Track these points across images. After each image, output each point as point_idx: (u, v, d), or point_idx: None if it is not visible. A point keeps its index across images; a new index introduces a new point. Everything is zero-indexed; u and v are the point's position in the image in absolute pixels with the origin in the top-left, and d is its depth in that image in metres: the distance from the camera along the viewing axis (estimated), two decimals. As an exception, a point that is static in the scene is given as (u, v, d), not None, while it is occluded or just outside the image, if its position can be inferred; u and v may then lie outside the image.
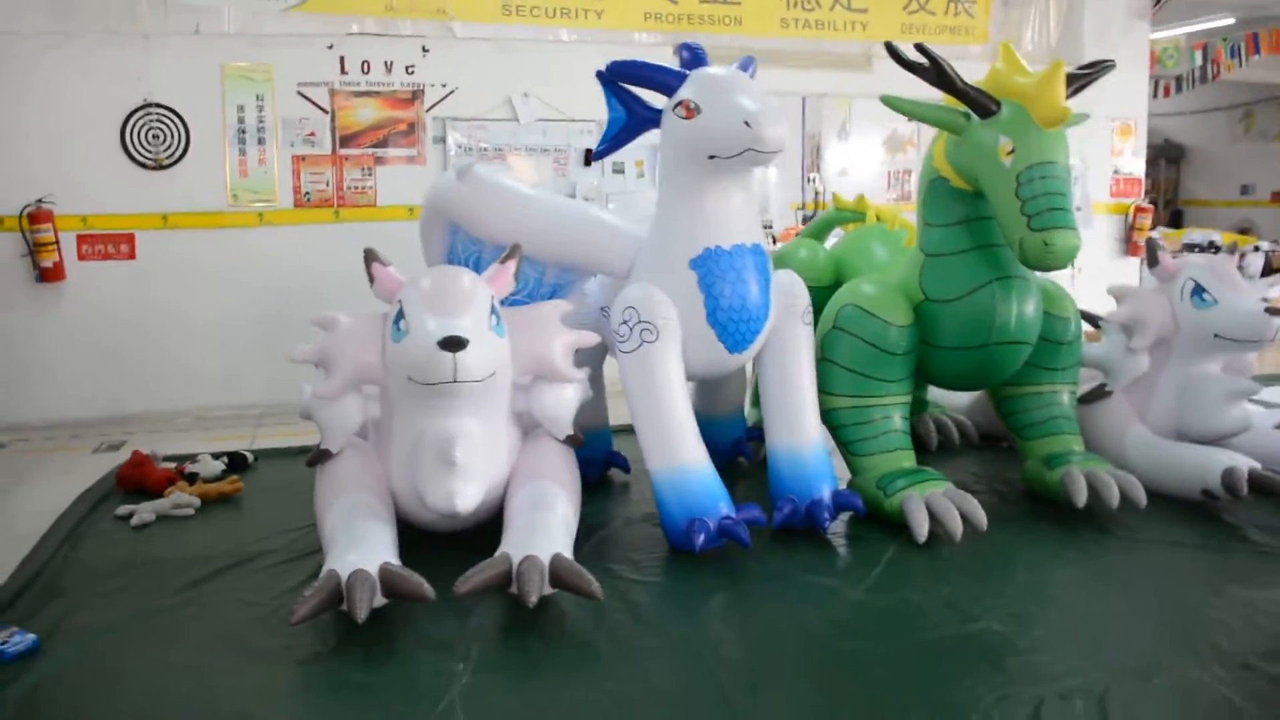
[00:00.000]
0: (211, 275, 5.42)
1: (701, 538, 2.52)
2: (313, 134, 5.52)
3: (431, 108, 5.71)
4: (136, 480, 3.45)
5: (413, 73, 5.66)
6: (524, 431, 2.71)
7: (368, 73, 5.59)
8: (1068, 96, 2.71)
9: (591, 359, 3.00)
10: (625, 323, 2.66)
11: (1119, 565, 2.59)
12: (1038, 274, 2.94)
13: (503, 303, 2.61)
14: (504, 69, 5.81)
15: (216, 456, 3.68)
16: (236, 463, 3.73)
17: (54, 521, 3.10)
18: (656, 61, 2.81)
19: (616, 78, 2.78)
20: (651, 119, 2.77)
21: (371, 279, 2.53)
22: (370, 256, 2.56)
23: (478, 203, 2.93)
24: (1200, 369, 3.16)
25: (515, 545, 2.27)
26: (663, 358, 2.64)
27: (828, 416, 2.92)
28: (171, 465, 3.60)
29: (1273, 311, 3.00)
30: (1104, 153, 7.23)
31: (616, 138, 2.82)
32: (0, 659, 2.09)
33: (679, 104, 2.62)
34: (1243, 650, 2.05)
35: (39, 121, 5.13)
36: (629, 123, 2.80)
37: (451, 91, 5.72)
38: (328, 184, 5.57)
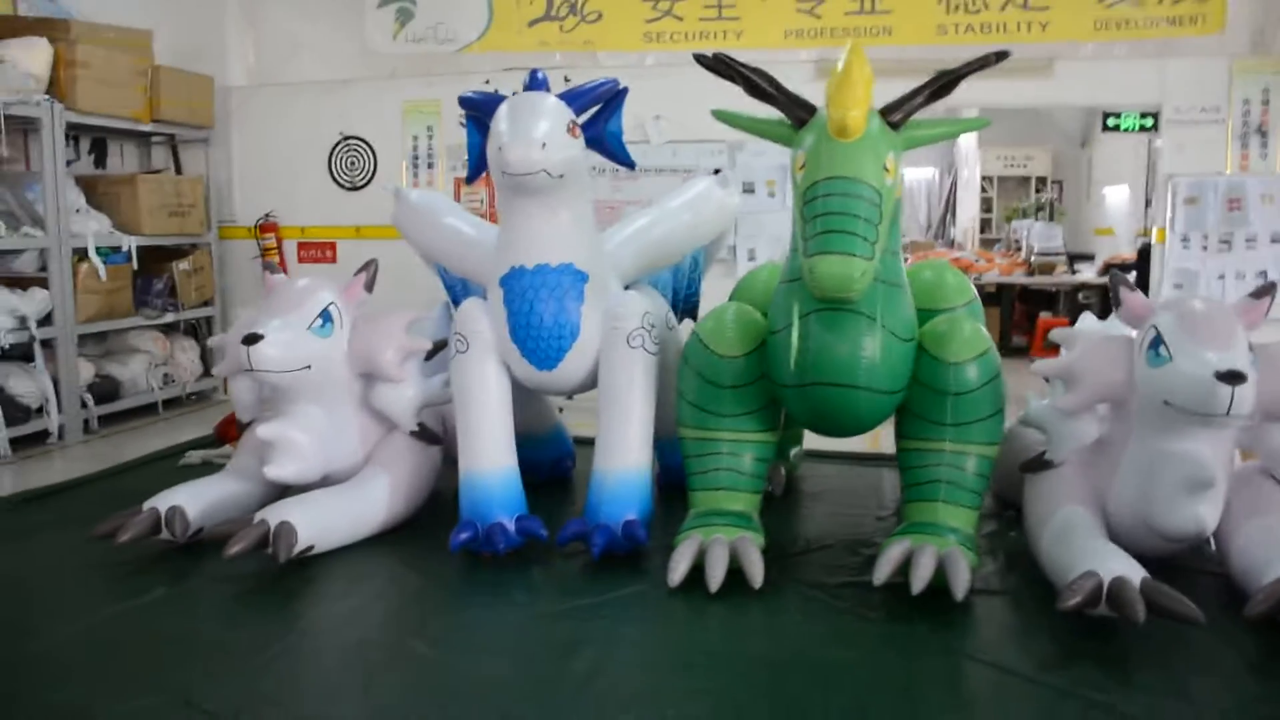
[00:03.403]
0: (392, 277, 6.43)
1: (465, 535, 2.69)
2: (470, 159, 6.33)
3: (571, 132, 6.22)
4: (223, 433, 4.46)
5: (556, 101, 6.21)
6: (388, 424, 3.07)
7: (517, 103, 6.26)
8: (929, 99, 2.36)
9: None
10: (451, 334, 2.90)
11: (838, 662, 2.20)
12: (928, 306, 2.64)
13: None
14: (640, 93, 6.02)
15: None
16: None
17: (151, 453, 4.28)
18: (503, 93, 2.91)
19: (467, 108, 2.96)
20: None
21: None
22: (265, 266, 3.28)
23: (406, 223, 3.42)
24: (1165, 445, 2.36)
25: (274, 510, 2.67)
26: (471, 367, 2.80)
27: (681, 447, 2.84)
28: None
29: (1227, 377, 2.17)
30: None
31: (478, 162, 2.98)
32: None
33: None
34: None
35: (268, 153, 6.55)
36: (484, 147, 2.94)
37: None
38: (481, 202, 6.34)
